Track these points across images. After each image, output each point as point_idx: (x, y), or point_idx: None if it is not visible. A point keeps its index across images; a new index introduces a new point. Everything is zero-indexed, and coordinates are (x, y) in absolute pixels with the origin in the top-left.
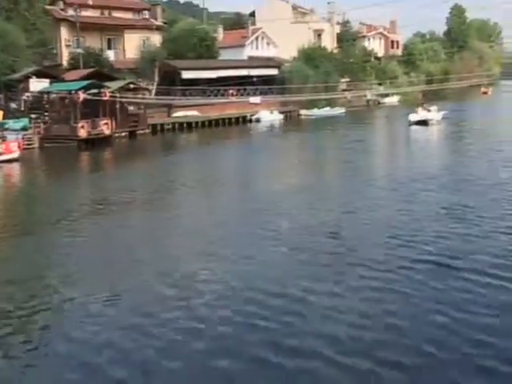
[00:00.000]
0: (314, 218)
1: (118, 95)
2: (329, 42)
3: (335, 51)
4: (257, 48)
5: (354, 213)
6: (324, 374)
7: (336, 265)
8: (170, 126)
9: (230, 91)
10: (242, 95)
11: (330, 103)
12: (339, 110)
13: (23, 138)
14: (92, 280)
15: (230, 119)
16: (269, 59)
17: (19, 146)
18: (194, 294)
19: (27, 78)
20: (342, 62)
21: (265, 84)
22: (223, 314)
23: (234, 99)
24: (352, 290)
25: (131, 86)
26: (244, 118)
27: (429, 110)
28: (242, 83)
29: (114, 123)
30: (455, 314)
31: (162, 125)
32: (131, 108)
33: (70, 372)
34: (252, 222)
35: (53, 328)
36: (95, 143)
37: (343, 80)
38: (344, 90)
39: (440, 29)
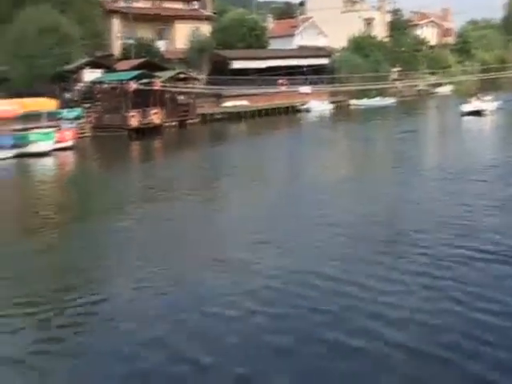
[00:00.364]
0: (366, 208)
1: (168, 85)
2: (379, 31)
3: (386, 40)
4: (306, 37)
5: (407, 203)
6: (382, 355)
7: (391, 253)
8: (220, 116)
9: (280, 81)
10: (291, 85)
11: (381, 93)
12: (389, 100)
13: (76, 127)
14: (148, 265)
15: (279, 109)
16: (318, 49)
17: (73, 135)
18: (251, 278)
19: (80, 68)
20: (392, 51)
21: (314, 74)
22: (283, 298)
23: (283, 89)
24: (409, 277)
25: (181, 75)
26: (293, 108)
27: (483, 100)
28: (291, 73)
29: (163, 113)
30: None
31: (211, 114)
32: (181, 98)
33: (141, 351)
34: (303, 210)
35: (115, 311)
36: (145, 132)
37: (394, 69)
38: (395, 80)
39: (496, 16)
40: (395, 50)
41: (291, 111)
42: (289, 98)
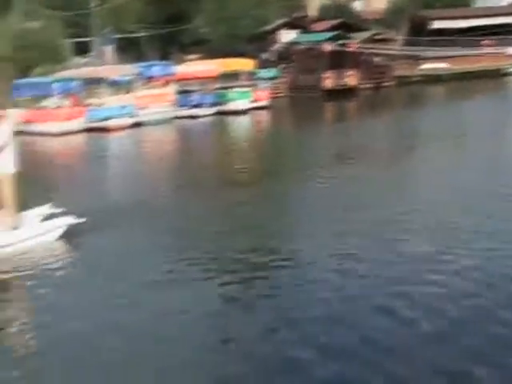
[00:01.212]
0: None
1: (363, 46)
2: None
3: None
4: None
5: None
6: None
7: None
8: (417, 79)
9: (485, 42)
10: (498, 46)
11: None
12: None
13: (272, 87)
14: (342, 228)
15: (483, 72)
16: None
17: (268, 95)
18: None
19: (277, 29)
20: None
21: None
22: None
23: (488, 50)
24: None
25: (377, 37)
26: (500, 71)
27: None
28: (498, 33)
29: (359, 75)
30: None
31: (408, 77)
32: (377, 59)
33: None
34: (505, 183)
35: (309, 273)
36: (340, 94)
37: None
38: None
39: None
40: None
41: (497, 75)
42: (495, 61)
